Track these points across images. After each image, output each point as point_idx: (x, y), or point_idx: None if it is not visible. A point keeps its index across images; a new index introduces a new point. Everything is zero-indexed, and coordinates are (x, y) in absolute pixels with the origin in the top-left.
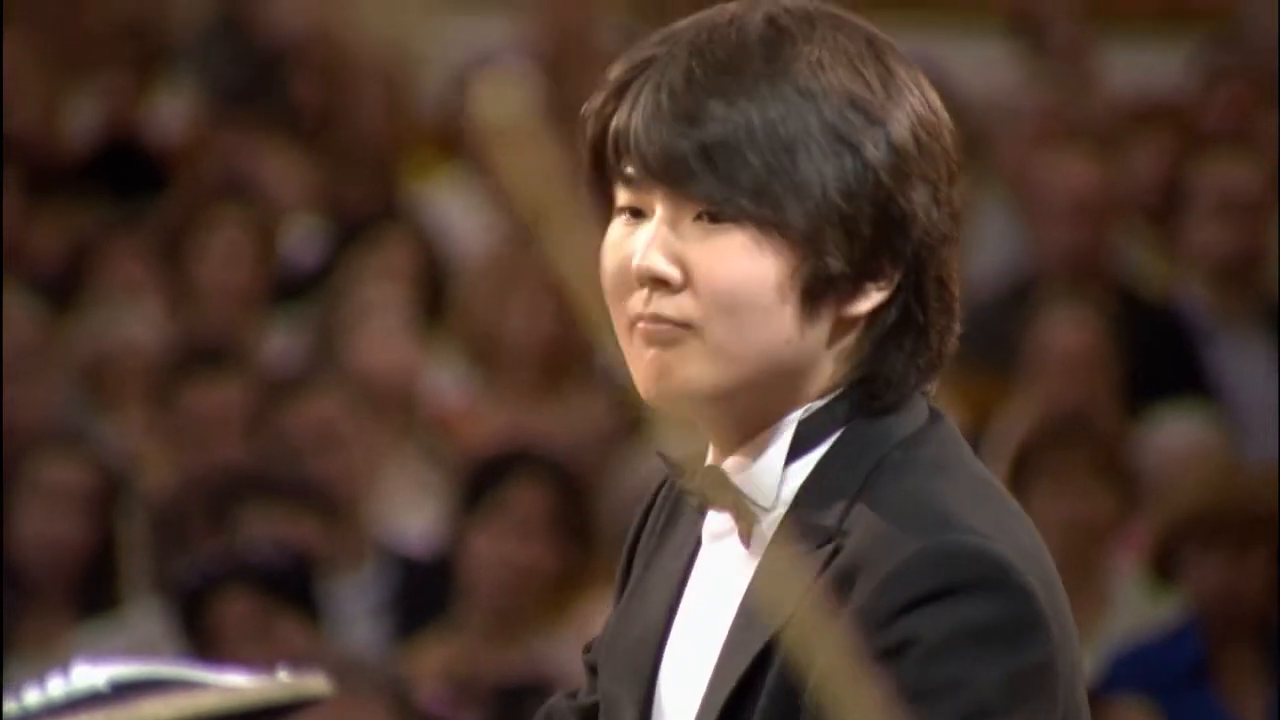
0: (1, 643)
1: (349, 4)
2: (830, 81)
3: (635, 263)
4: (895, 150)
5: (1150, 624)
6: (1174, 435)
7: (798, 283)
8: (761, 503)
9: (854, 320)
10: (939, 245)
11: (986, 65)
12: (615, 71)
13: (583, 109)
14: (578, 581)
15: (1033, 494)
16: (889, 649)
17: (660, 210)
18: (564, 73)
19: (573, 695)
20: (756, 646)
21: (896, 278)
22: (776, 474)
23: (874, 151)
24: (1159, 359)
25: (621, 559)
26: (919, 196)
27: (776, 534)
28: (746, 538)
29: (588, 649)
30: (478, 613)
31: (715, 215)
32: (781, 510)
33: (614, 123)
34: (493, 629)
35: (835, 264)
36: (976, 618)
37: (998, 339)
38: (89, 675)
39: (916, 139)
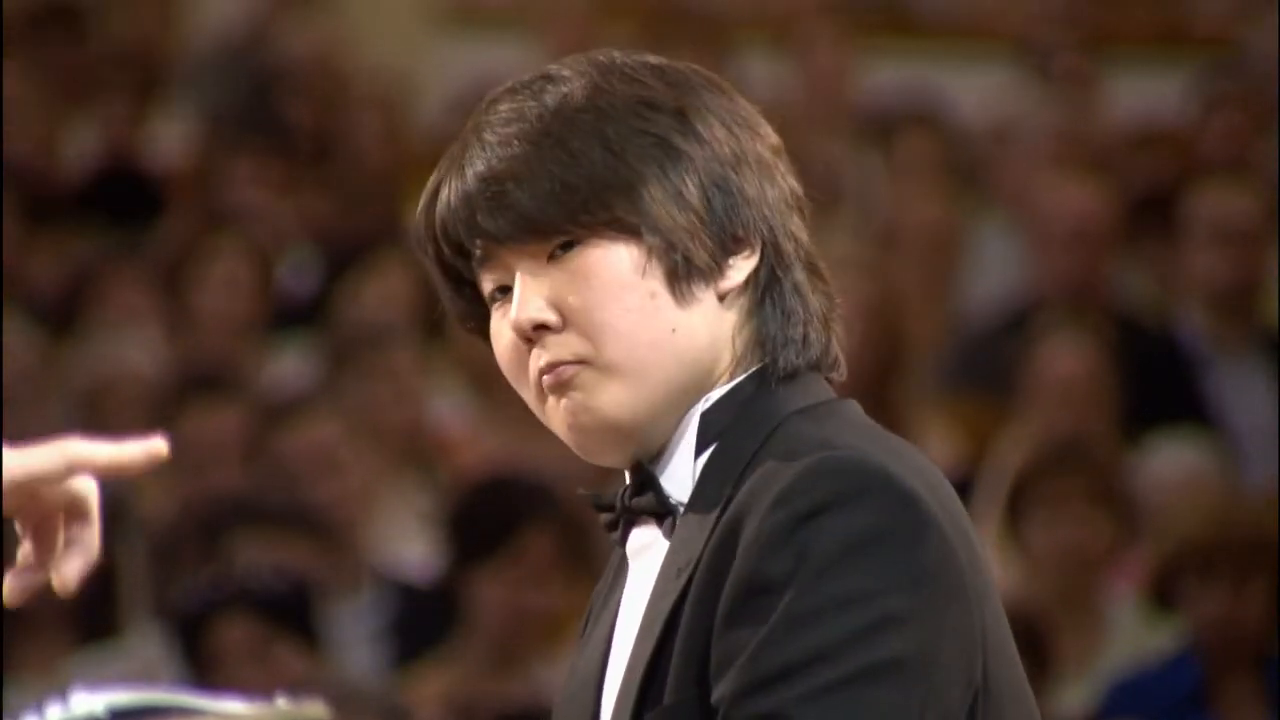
0: (1, 668)
1: (347, 30)
2: (614, 94)
3: (512, 320)
4: (701, 134)
5: (1148, 652)
6: (1172, 463)
7: (659, 274)
8: (680, 497)
9: (732, 296)
10: (780, 217)
11: (990, 92)
12: (426, 189)
13: (413, 241)
14: (576, 610)
15: (1030, 522)
16: (784, 572)
17: (518, 270)
18: None
19: None
20: (666, 608)
21: (758, 246)
22: (690, 468)
23: (681, 139)
24: (1157, 386)
25: (581, 625)
26: (748, 178)
27: (681, 518)
28: (669, 532)
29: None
30: (480, 643)
31: (563, 245)
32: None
33: (437, 224)
34: (493, 657)
35: (684, 243)
36: (863, 526)
37: (996, 366)
38: (88, 702)
39: (729, 129)
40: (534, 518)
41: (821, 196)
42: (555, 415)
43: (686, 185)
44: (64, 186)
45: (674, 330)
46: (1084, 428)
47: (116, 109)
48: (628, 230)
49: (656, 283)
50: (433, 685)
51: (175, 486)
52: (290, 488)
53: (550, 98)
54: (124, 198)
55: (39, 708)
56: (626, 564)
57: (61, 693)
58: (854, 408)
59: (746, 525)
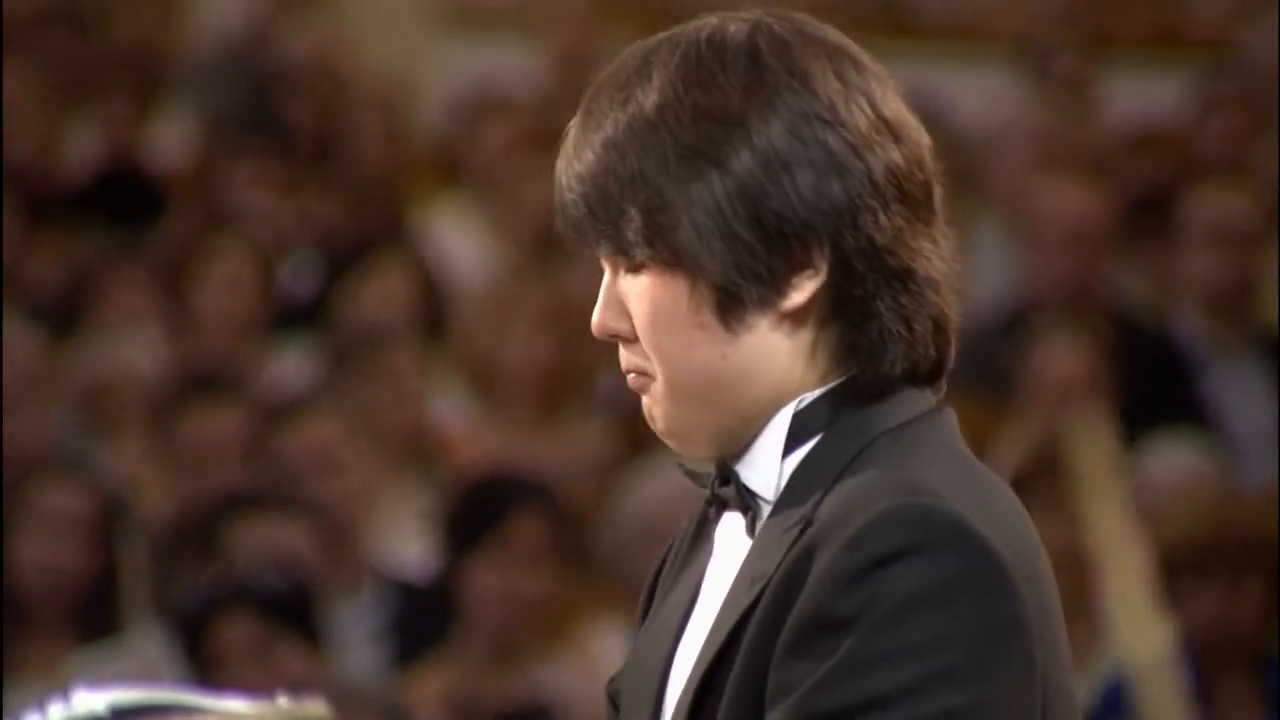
0: (2, 668)
1: (347, 32)
2: (682, 104)
3: (593, 321)
4: (761, 150)
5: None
6: (1169, 463)
7: (705, 305)
8: (765, 495)
9: (798, 313)
10: (849, 218)
11: (988, 93)
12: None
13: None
14: (576, 608)
15: None
16: (852, 611)
17: (605, 267)
18: (564, 101)
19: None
20: (734, 618)
21: (823, 264)
22: (776, 467)
23: (738, 159)
24: (1154, 387)
25: (642, 596)
26: (804, 182)
27: (765, 522)
28: (751, 530)
29: (611, 682)
30: (477, 639)
31: (627, 266)
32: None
33: (556, 180)
34: (492, 655)
35: (730, 278)
36: (937, 577)
37: (994, 366)
38: (89, 701)
39: (792, 130)
40: (523, 508)
41: None
42: (644, 409)
43: (737, 210)
44: (65, 187)
45: (724, 357)
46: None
47: (118, 110)
48: (678, 264)
49: (706, 314)
50: (432, 684)
51: (176, 486)
52: (291, 486)
53: (632, 99)
54: (125, 198)
55: (41, 706)
56: (711, 533)
57: (63, 692)
58: (945, 426)
59: (820, 557)
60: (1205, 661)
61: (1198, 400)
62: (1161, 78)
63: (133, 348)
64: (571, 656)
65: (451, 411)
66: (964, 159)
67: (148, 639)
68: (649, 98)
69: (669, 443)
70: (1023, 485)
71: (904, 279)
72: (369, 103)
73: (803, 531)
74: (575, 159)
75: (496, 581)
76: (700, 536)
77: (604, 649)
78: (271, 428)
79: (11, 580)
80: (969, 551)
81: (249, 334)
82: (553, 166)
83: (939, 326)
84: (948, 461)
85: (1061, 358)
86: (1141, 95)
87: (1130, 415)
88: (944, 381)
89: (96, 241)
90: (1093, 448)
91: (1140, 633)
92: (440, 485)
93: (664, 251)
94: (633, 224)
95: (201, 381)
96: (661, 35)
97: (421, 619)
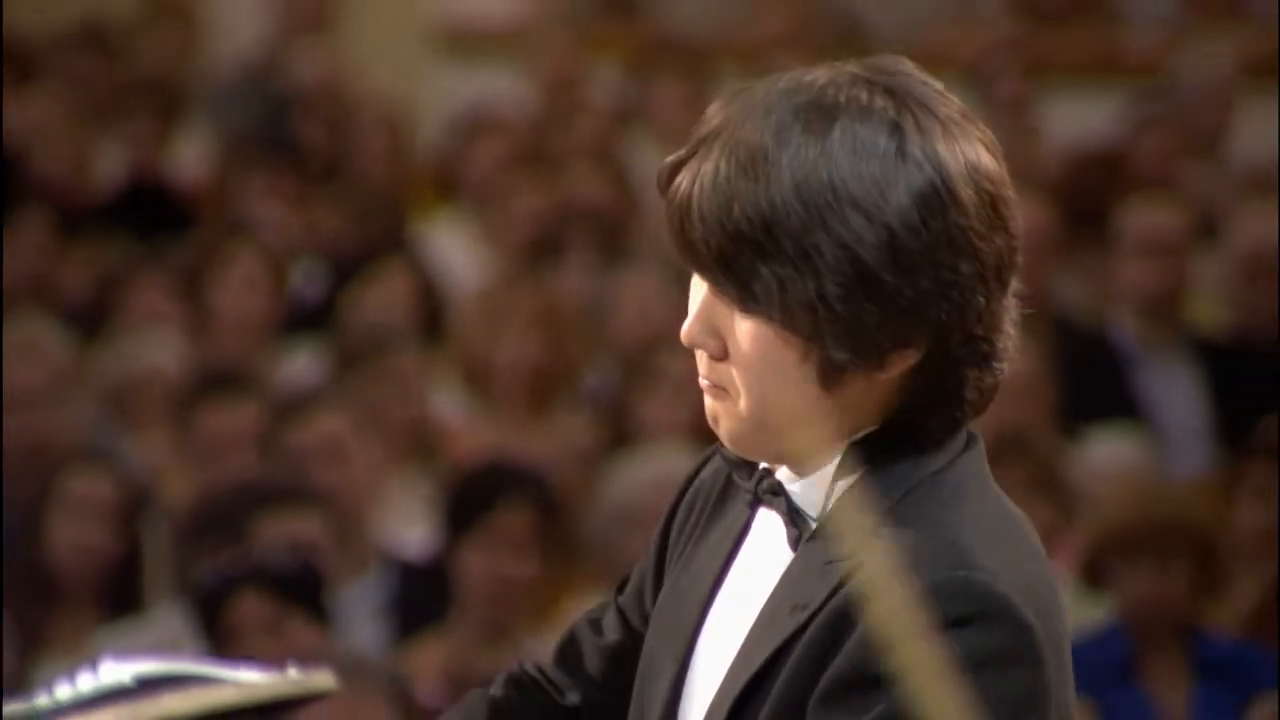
0: (35, 642)
1: (353, 58)
2: (835, 182)
3: (682, 330)
4: (897, 244)
5: (1081, 626)
6: (1105, 454)
7: (812, 369)
8: (811, 514)
9: (889, 379)
10: (959, 311)
11: None
12: (695, 131)
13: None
14: (562, 588)
15: None
16: (889, 677)
17: (702, 281)
18: (552, 123)
19: (595, 626)
20: (775, 642)
21: (924, 345)
22: (824, 490)
23: (874, 251)
24: (1092, 384)
25: (659, 526)
26: (927, 280)
27: (809, 545)
28: (793, 543)
29: (620, 589)
30: (471, 616)
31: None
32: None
33: (678, 195)
34: (484, 631)
35: (843, 355)
36: (978, 648)
37: None
38: (116, 672)
39: (925, 223)
40: (513, 495)
41: None
42: (708, 410)
43: (864, 295)
44: (94, 200)
45: (811, 407)
46: (1025, 422)
47: (142, 129)
48: (794, 330)
49: (809, 372)
50: (430, 657)
51: (195, 475)
52: (301, 476)
53: (785, 162)
54: (149, 211)
55: (71, 677)
56: (742, 513)
57: (92, 664)
58: (979, 464)
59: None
60: (1137, 635)
61: (1132, 395)
62: (1098, 101)
63: (156, 348)
64: (558, 632)
65: (449, 407)
66: None
67: (169, 616)
68: (803, 166)
69: (728, 446)
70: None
71: (989, 358)
72: (373, 123)
73: (849, 573)
74: (714, 202)
75: (489, 563)
76: (727, 502)
77: None
78: (283, 422)
79: (44, 561)
80: (1009, 627)
81: (262, 335)
82: (542, 183)
83: (996, 387)
84: (986, 518)
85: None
86: (1080, 117)
87: (1070, 410)
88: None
89: (122, 250)
90: (851, 515)
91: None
92: (438, 474)
93: (789, 320)
94: (766, 289)
95: (219, 379)
96: (799, 87)
97: (420, 598)
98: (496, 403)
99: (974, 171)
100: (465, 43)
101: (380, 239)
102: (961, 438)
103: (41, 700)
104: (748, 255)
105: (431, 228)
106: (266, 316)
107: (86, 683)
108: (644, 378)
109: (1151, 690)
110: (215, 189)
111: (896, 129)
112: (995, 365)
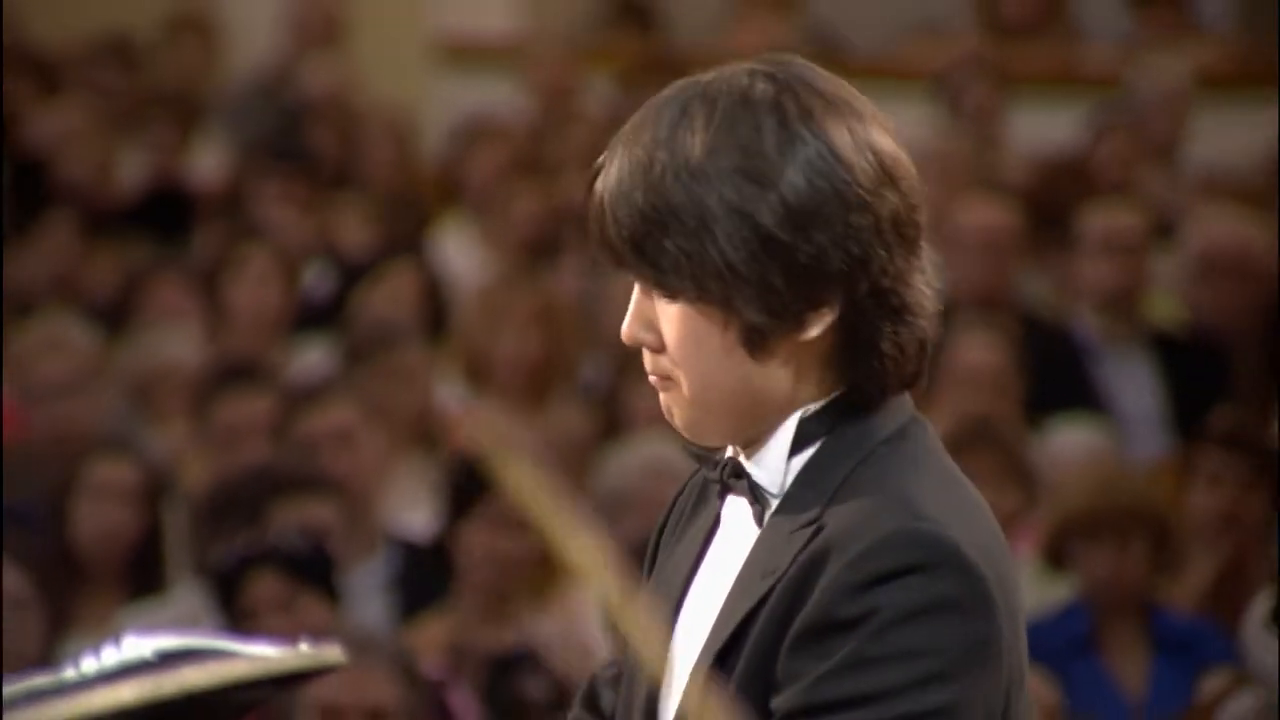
0: (62, 619)
1: (361, 70)
2: (722, 161)
3: (622, 330)
4: (790, 206)
5: (1045, 603)
6: (1067, 441)
7: (735, 337)
8: (770, 489)
9: (811, 342)
10: (861, 266)
11: (911, 125)
12: (611, 140)
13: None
14: (558, 568)
15: None
16: (854, 618)
17: (635, 282)
18: (548, 132)
19: (605, 665)
20: (747, 606)
21: (836, 303)
22: (782, 466)
23: (769, 214)
24: (1055, 376)
25: (651, 542)
26: (824, 237)
27: (774, 519)
28: (759, 519)
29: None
30: (472, 594)
31: (665, 294)
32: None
33: (593, 199)
34: (485, 608)
35: (759, 317)
36: (930, 594)
37: None
38: (138, 646)
39: (814, 186)
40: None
41: None
42: (663, 404)
43: (768, 257)
44: (117, 204)
45: (746, 378)
46: (992, 411)
47: (162, 137)
48: (712, 301)
49: (733, 343)
50: (433, 633)
51: (213, 462)
52: (312, 462)
53: (678, 146)
54: (169, 214)
55: (96, 651)
56: (714, 507)
57: (116, 639)
58: (929, 435)
59: (830, 565)
60: (1098, 613)
61: (1093, 387)
62: (1060, 111)
63: (175, 343)
64: (554, 609)
65: (451, 397)
66: None
67: (188, 594)
68: (693, 151)
69: (685, 435)
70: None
71: (900, 312)
72: (379, 131)
73: (813, 535)
74: (619, 196)
75: (488, 543)
76: (702, 503)
77: (582, 602)
78: (295, 412)
79: (70, 543)
80: (961, 574)
81: (276, 331)
82: (538, 188)
83: (922, 345)
84: (938, 479)
85: (976, 350)
86: (1043, 126)
87: (1035, 400)
88: (926, 378)
89: (144, 251)
90: (514, 470)
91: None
92: (441, 461)
93: (702, 291)
94: (675, 264)
95: (235, 372)
96: (693, 85)
97: (424, 577)
98: (496, 394)
99: (859, 139)
100: (466, 56)
101: (386, 241)
102: (906, 410)
103: (68, 673)
104: (655, 237)
105: (435, 230)
106: (279, 313)
107: (110, 656)
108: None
109: (1111, 664)
110: (231, 193)
111: (778, 105)
112: (910, 320)
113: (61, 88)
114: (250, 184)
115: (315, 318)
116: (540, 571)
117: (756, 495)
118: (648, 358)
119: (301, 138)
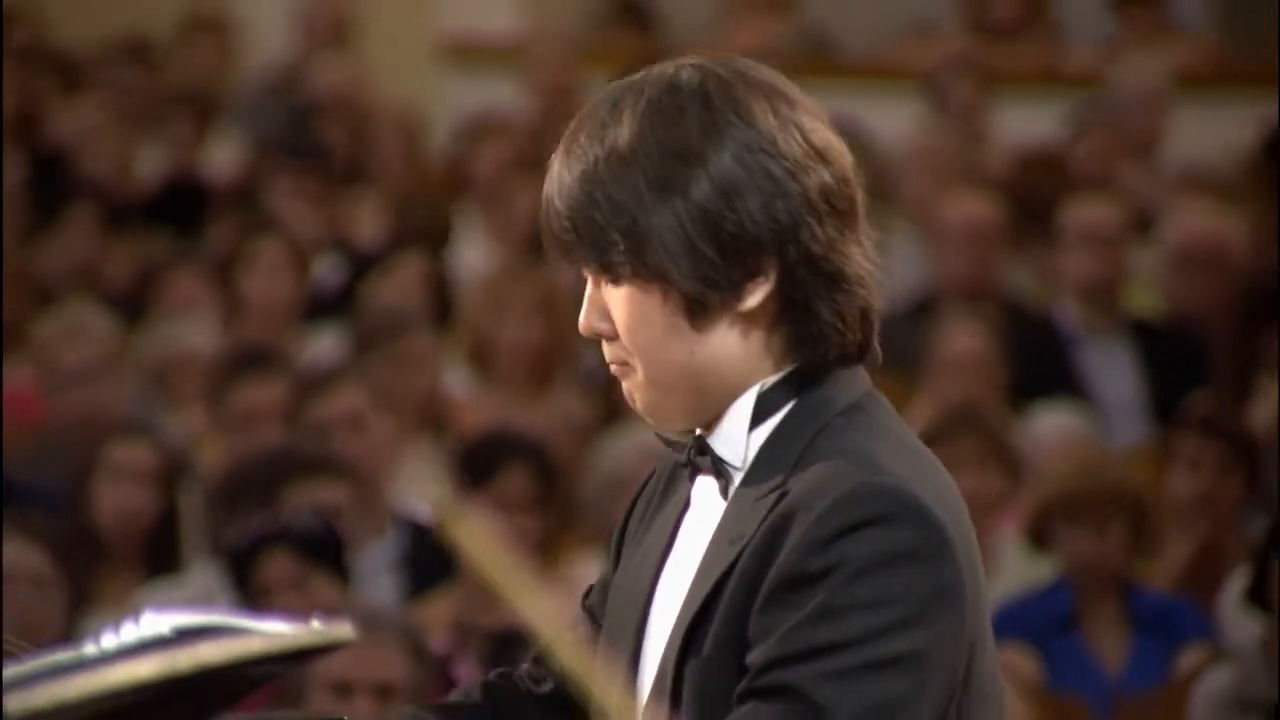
0: (84, 596)
1: (370, 69)
2: (649, 142)
3: (579, 323)
4: (716, 180)
5: (1028, 582)
6: (1050, 426)
7: (676, 310)
8: (734, 463)
9: (752, 313)
10: (791, 233)
11: (899, 122)
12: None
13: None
14: (560, 545)
15: None
16: (823, 569)
17: (587, 277)
18: (550, 129)
19: (505, 675)
20: (717, 573)
21: (772, 272)
22: (744, 439)
23: (696, 189)
24: (1037, 363)
25: (616, 529)
26: (753, 205)
27: (739, 491)
28: (724, 492)
29: (585, 595)
30: (476, 573)
31: (607, 278)
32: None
33: (542, 200)
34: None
35: (696, 288)
36: (895, 544)
37: (905, 346)
38: (156, 623)
39: (740, 161)
40: (515, 462)
41: None
42: (625, 392)
43: (699, 231)
44: (136, 198)
45: (693, 352)
46: (977, 397)
47: (179, 133)
48: (651, 277)
49: (676, 317)
50: (440, 610)
51: (228, 446)
52: (324, 446)
53: (608, 138)
54: (185, 207)
55: (116, 628)
56: (685, 490)
57: (134, 615)
58: (885, 407)
59: (796, 524)
60: (1079, 592)
61: (1074, 374)
62: (1043, 109)
63: (192, 331)
64: (556, 586)
65: (457, 384)
66: (880, 176)
67: (205, 573)
68: (622, 138)
69: (648, 419)
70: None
71: (837, 280)
72: (388, 128)
73: (778, 500)
74: (560, 191)
75: (493, 523)
76: (671, 489)
77: (583, 580)
78: (307, 397)
79: (91, 524)
80: (922, 524)
81: (288, 320)
82: (541, 183)
83: (865, 315)
84: (896, 442)
85: (961, 339)
86: (1026, 123)
87: (1018, 386)
88: (877, 351)
89: (161, 243)
90: (464, 527)
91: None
92: (448, 444)
93: (641, 268)
94: (615, 246)
95: (249, 359)
96: (626, 81)
97: (431, 556)
98: (500, 380)
99: (784, 119)
100: (471, 56)
101: (394, 233)
102: (862, 385)
103: (89, 649)
104: (593, 223)
105: (454, 227)
106: (292, 303)
107: (130, 633)
108: None
109: (1091, 641)
110: (245, 187)
111: (703, 89)
112: (849, 288)
113: (82, 86)
114: (263, 178)
115: (326, 307)
116: (542, 549)
117: (720, 470)
118: (606, 348)
119: (313, 134)
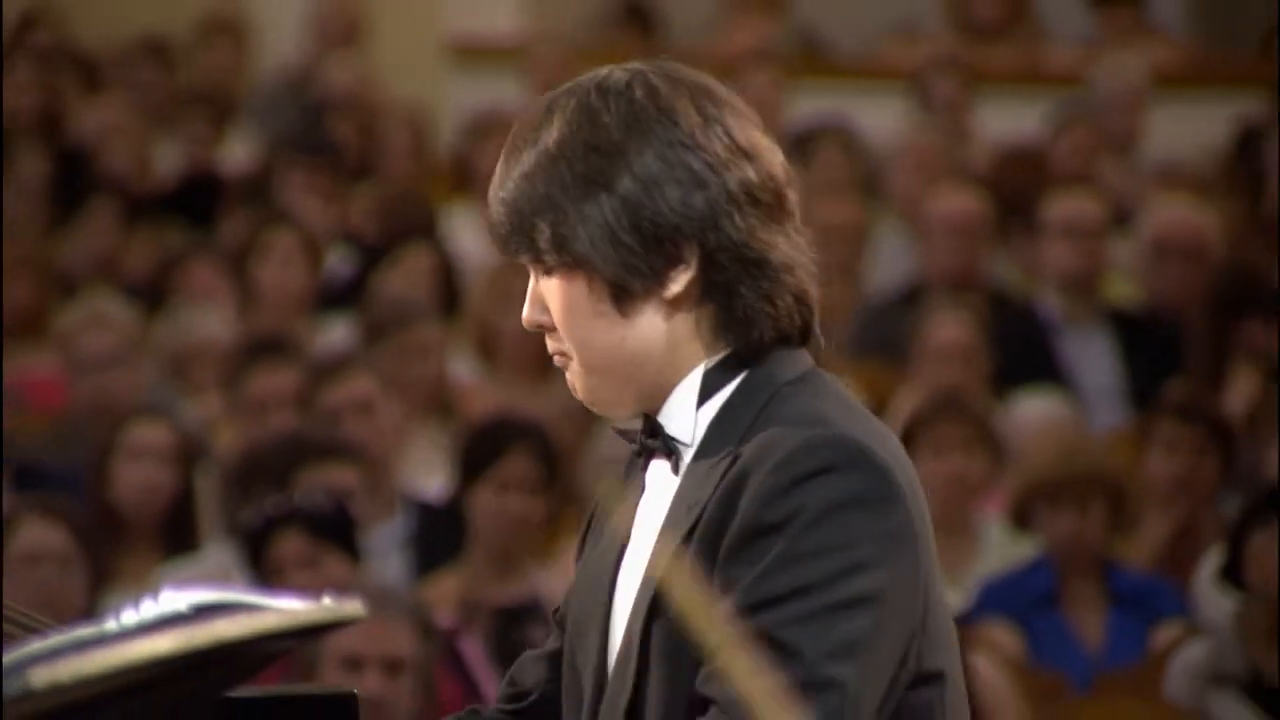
0: (105, 574)
1: (380, 69)
2: (574, 141)
3: (523, 318)
4: (638, 173)
5: (1011, 561)
6: (1032, 412)
7: (604, 299)
8: (684, 440)
9: (677, 298)
10: (711, 222)
11: (888, 119)
12: None
13: None
14: (560, 526)
15: (919, 458)
16: (781, 519)
17: (530, 271)
18: None
19: (537, 648)
20: (678, 535)
21: (693, 259)
22: (692, 416)
23: (620, 181)
24: (1020, 351)
25: (579, 534)
26: (672, 196)
27: (690, 466)
28: (676, 469)
29: (555, 611)
30: (482, 551)
31: (543, 270)
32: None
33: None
34: (494, 564)
35: (619, 275)
36: (848, 490)
37: (892, 335)
38: (174, 600)
39: (661, 156)
40: (519, 446)
41: None
42: (568, 383)
43: (621, 221)
44: (155, 192)
45: (623, 338)
46: (962, 383)
47: (197, 130)
48: (578, 266)
49: (603, 304)
50: (446, 587)
51: (243, 430)
52: (335, 430)
53: (540, 139)
54: (202, 201)
55: (136, 605)
56: (641, 479)
57: (153, 593)
58: (831, 380)
59: (751, 480)
60: (1060, 570)
61: (1055, 361)
62: (1025, 107)
63: (208, 320)
64: (556, 564)
65: (463, 371)
66: (870, 170)
67: (220, 552)
68: (551, 137)
69: (591, 408)
70: (917, 429)
71: (761, 266)
72: (397, 125)
73: (732, 464)
74: (499, 188)
75: (498, 504)
76: (629, 484)
77: None
78: (319, 384)
79: (112, 504)
80: (872, 471)
81: (301, 309)
82: None
83: (800, 300)
84: (842, 403)
85: (947, 328)
86: (1009, 120)
87: (1001, 373)
88: (820, 338)
89: (179, 235)
90: (682, 582)
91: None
92: (454, 429)
93: (568, 258)
94: (543, 236)
95: (263, 347)
96: (565, 86)
97: (438, 535)
98: (504, 368)
99: (708, 116)
100: (476, 57)
101: (403, 227)
102: (806, 362)
103: (110, 624)
104: (526, 218)
105: (448, 216)
106: (304, 293)
107: (149, 610)
108: None
109: (1072, 617)
110: (259, 182)
111: (628, 89)
112: (776, 275)
113: (104, 86)
114: (277, 174)
115: (337, 297)
116: (543, 530)
117: (672, 448)
118: (548, 340)
119: (324, 131)
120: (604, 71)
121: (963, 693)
